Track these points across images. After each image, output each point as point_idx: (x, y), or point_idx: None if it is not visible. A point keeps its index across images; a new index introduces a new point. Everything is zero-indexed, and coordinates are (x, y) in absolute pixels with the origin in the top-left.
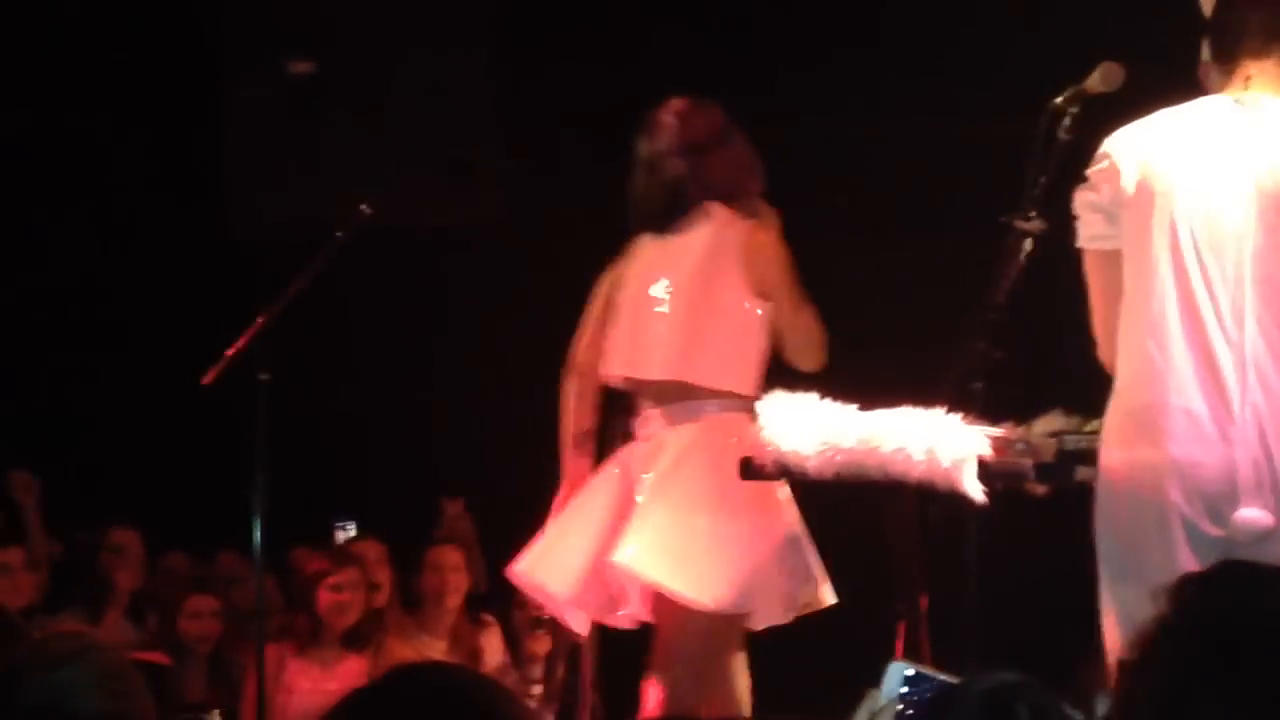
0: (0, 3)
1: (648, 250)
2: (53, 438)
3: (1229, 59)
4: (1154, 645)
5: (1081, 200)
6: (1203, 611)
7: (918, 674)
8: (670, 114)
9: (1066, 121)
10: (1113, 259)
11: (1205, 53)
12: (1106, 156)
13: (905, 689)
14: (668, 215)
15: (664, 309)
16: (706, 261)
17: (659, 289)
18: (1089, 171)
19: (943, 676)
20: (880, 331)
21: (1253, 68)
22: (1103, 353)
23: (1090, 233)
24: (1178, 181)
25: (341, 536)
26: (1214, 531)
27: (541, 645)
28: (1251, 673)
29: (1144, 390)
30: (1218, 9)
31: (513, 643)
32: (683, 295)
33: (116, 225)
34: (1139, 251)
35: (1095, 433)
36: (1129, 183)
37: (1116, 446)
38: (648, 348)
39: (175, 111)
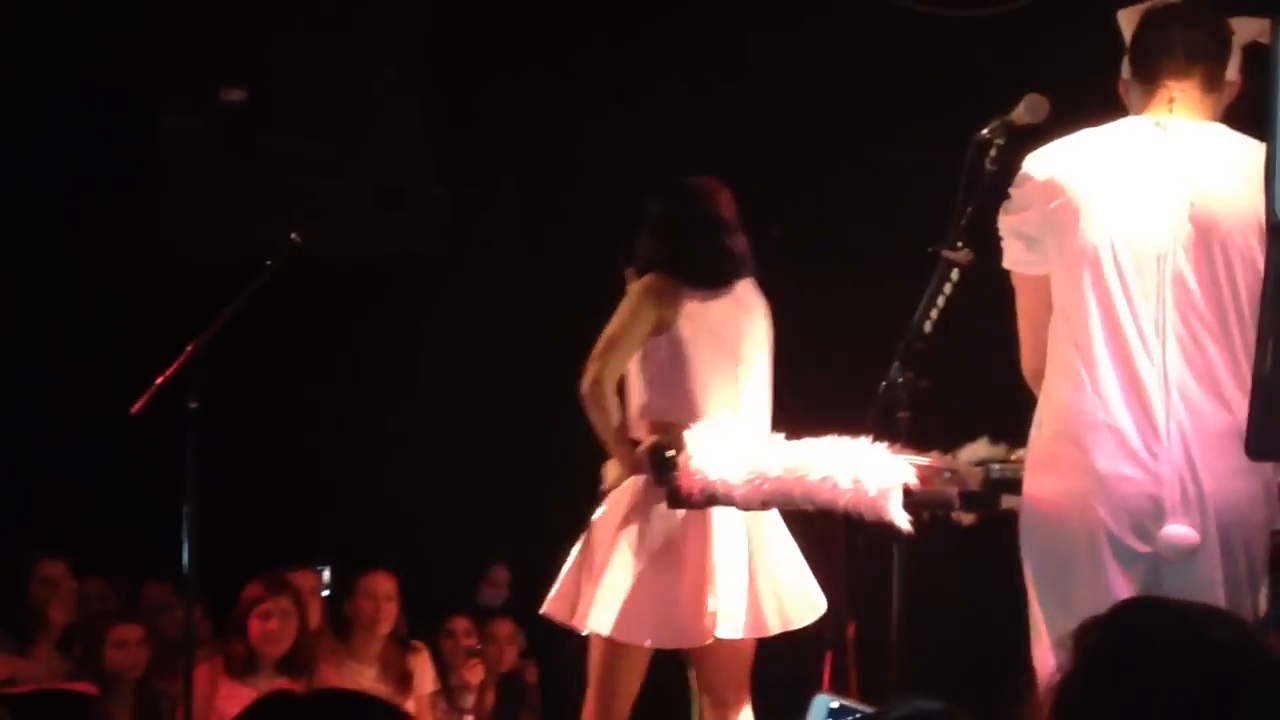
0: None
1: (711, 308)
2: None
3: (1151, 78)
4: (1062, 690)
5: (1005, 223)
6: (1102, 654)
7: (841, 706)
8: (726, 190)
9: (992, 153)
10: (1038, 282)
11: (1126, 70)
12: (1028, 178)
13: None
14: (725, 279)
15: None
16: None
17: (750, 349)
18: (1011, 191)
19: (867, 709)
20: (807, 361)
21: (1175, 89)
22: (1028, 375)
23: (1014, 256)
24: (1099, 201)
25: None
26: (1141, 548)
27: (474, 674)
28: (1152, 708)
29: (1070, 409)
30: (1141, 28)
31: (444, 671)
32: (766, 357)
33: (44, 252)
34: (1062, 271)
35: (1021, 461)
36: (1050, 202)
37: (1043, 469)
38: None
39: (105, 139)
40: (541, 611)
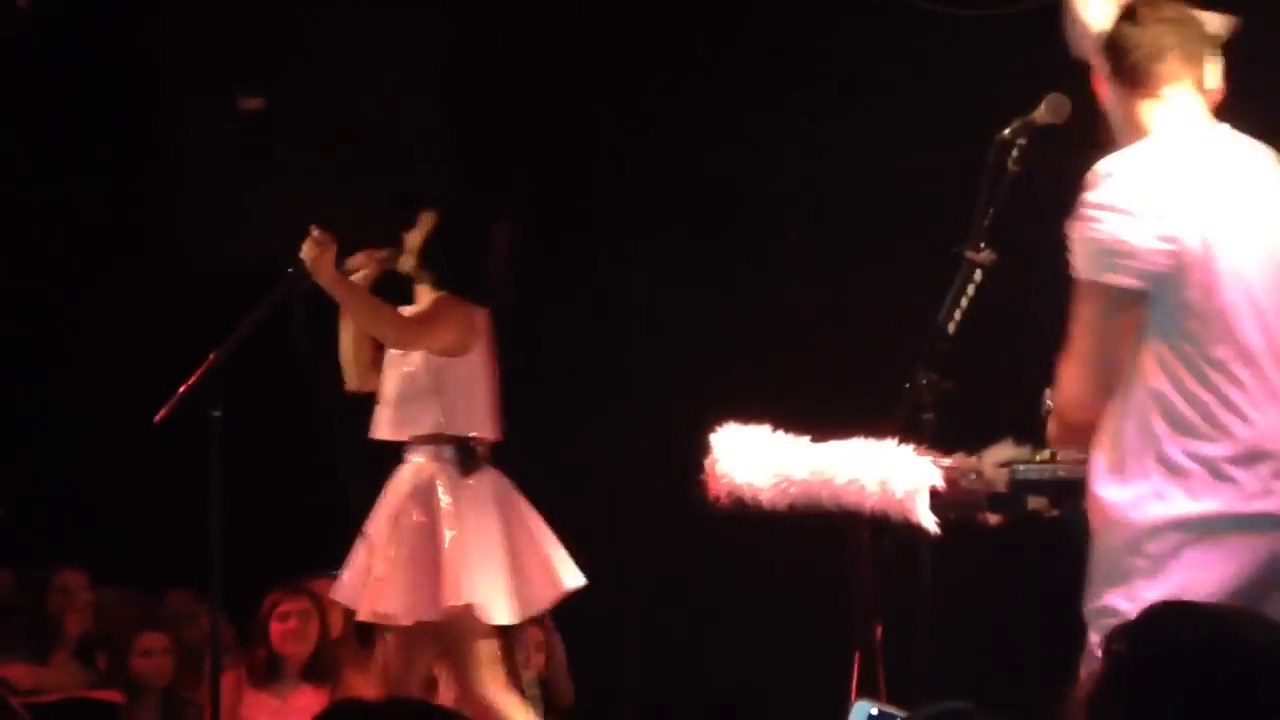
0: None
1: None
2: (2, 475)
3: (1146, 80)
4: (1094, 695)
5: (1099, 229)
6: (1133, 659)
7: (881, 712)
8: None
9: (1014, 153)
10: (1136, 301)
11: (1105, 67)
12: (1132, 194)
13: None
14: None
15: None
16: None
17: None
18: (1094, 198)
19: (904, 713)
20: (831, 363)
21: (1169, 91)
22: (1072, 401)
23: (1103, 263)
24: (1220, 234)
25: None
26: None
27: None
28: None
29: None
30: (1127, 28)
31: None
32: None
33: (67, 262)
34: (1185, 300)
35: (1046, 462)
36: (1161, 229)
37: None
38: None
39: (126, 147)
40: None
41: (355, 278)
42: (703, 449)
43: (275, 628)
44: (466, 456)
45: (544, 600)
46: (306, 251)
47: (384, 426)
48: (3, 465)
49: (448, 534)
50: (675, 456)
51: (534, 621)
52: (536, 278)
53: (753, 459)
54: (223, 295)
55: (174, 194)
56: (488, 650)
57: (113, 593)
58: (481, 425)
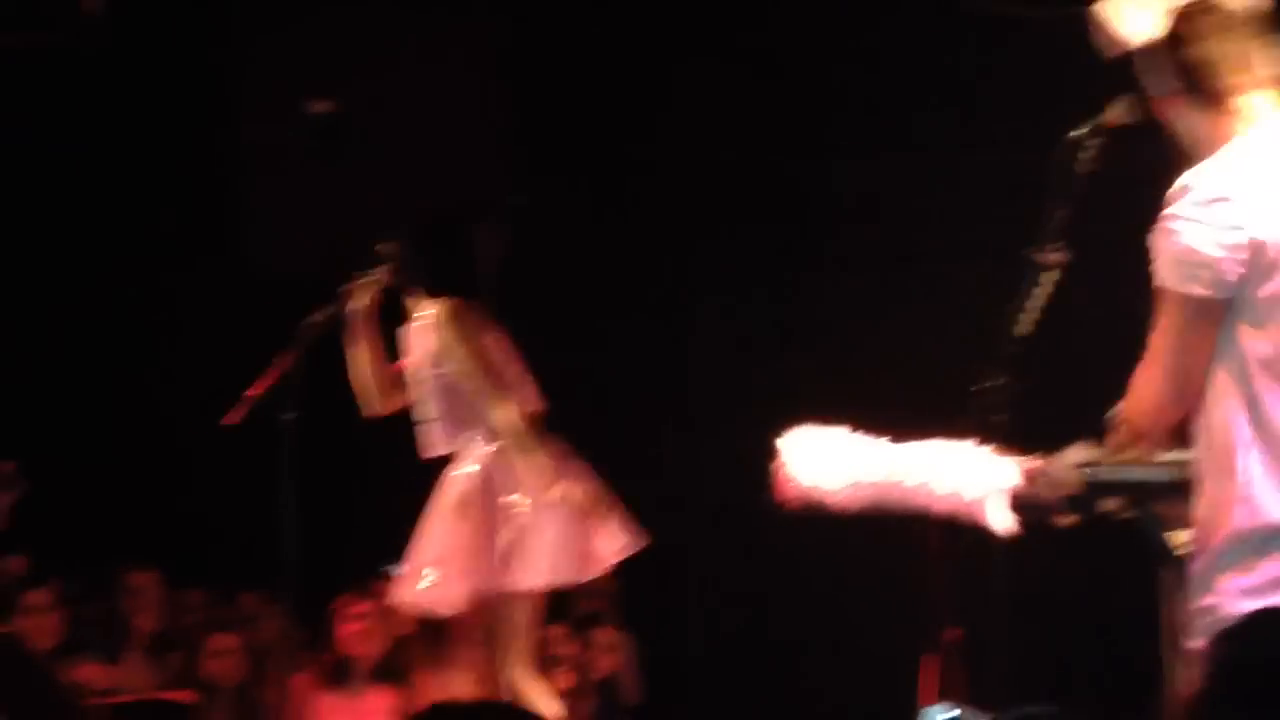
0: (27, 52)
1: None
2: (78, 479)
3: (1215, 93)
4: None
5: (1177, 241)
6: (1236, 667)
7: (955, 717)
8: None
9: (1085, 154)
10: (1215, 310)
11: (1166, 86)
12: (1209, 205)
13: None
14: None
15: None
16: None
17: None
18: (1186, 212)
19: (979, 716)
20: (904, 364)
21: (1241, 97)
22: (1147, 400)
23: (1181, 274)
24: None
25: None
26: None
27: (565, 681)
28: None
29: None
30: (1186, 43)
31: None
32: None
33: (139, 266)
34: (1268, 304)
35: (1120, 463)
36: (1238, 238)
37: None
38: None
39: (197, 152)
40: None
41: (358, 308)
42: (772, 451)
43: (343, 629)
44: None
45: (605, 560)
46: (356, 289)
47: (438, 444)
48: (77, 467)
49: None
50: (744, 458)
51: (605, 622)
52: (603, 278)
53: (823, 461)
54: (294, 298)
55: (245, 198)
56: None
57: (184, 594)
58: (524, 400)
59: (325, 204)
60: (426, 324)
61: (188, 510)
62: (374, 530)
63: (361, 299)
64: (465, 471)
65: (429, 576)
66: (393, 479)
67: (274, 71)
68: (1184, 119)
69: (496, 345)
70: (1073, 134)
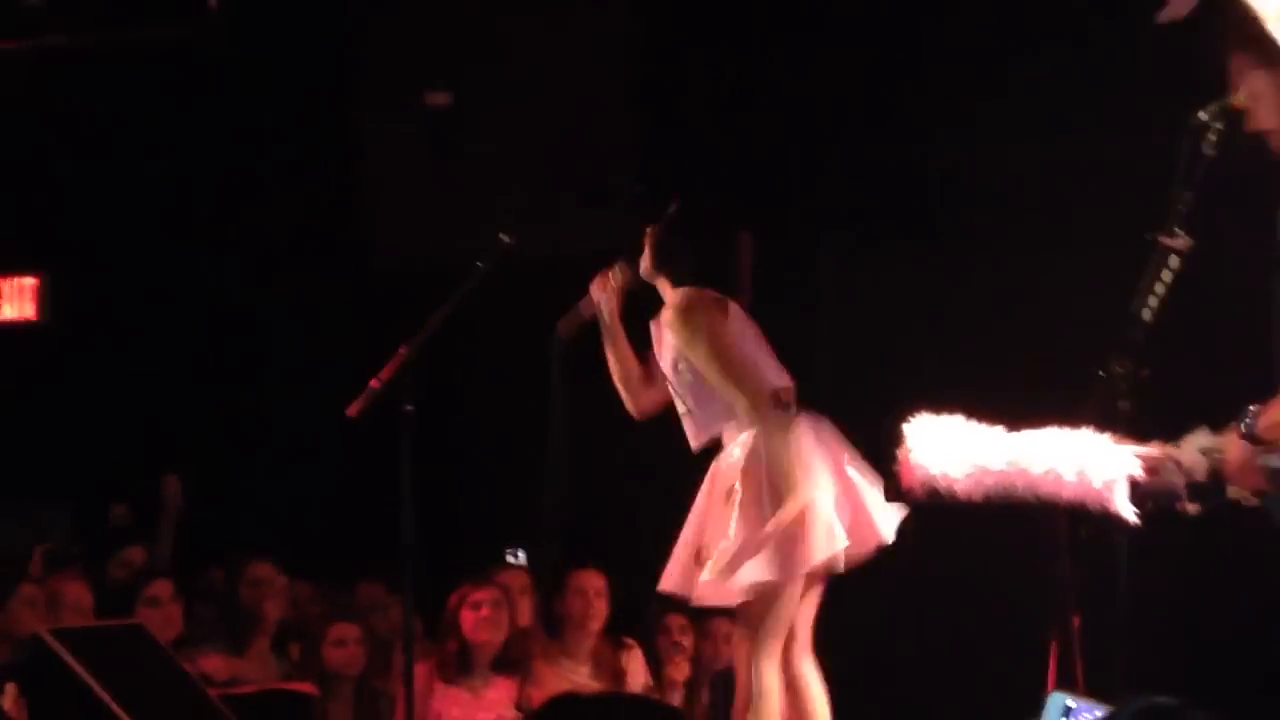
0: (152, 48)
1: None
2: (202, 471)
3: None
4: None
5: None
6: None
7: (1077, 705)
8: None
9: (1211, 137)
10: None
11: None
12: None
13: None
14: None
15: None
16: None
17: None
18: None
19: (1100, 709)
20: (1026, 351)
21: None
22: None
23: None
24: None
25: (513, 563)
26: None
27: (681, 671)
28: None
29: None
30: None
31: (656, 668)
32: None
33: (263, 259)
34: None
35: None
36: None
37: None
38: None
39: (317, 147)
40: None
41: (604, 311)
42: (896, 440)
43: (468, 616)
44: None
45: (867, 546)
46: (596, 288)
47: (697, 436)
48: (201, 460)
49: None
50: (867, 446)
51: (724, 613)
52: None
53: (947, 449)
54: (413, 289)
55: (363, 190)
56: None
57: (305, 585)
58: (775, 378)
59: (445, 196)
60: (669, 316)
61: (309, 501)
62: (491, 519)
63: (612, 300)
64: (730, 461)
65: (709, 567)
66: (510, 468)
67: (393, 64)
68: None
69: (739, 330)
70: (1198, 117)
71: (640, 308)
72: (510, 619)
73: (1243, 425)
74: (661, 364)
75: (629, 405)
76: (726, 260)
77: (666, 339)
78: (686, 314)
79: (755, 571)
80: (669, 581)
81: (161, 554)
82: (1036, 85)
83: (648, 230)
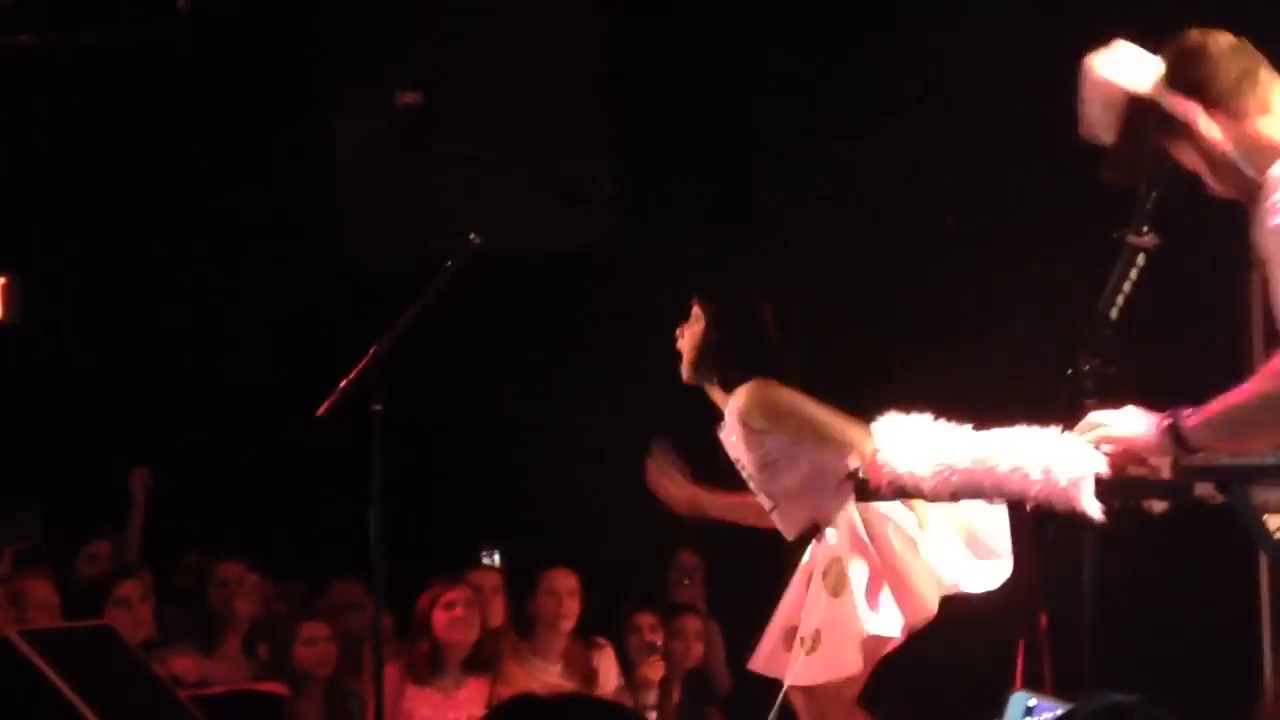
0: (120, 47)
1: None
2: (171, 468)
3: (1253, 98)
4: None
5: None
6: None
7: (1039, 704)
8: None
9: None
10: None
11: (1195, 111)
12: None
13: (1026, 719)
14: None
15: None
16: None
17: None
18: None
19: (1063, 707)
20: (993, 349)
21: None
22: None
23: None
24: None
25: (488, 563)
26: None
27: (655, 671)
28: None
29: None
30: (1209, 60)
31: (627, 668)
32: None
33: (234, 258)
34: None
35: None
36: None
37: None
38: None
39: (288, 146)
40: None
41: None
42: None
43: (440, 616)
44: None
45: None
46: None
47: (791, 528)
48: (172, 459)
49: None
50: None
51: (693, 610)
52: (693, 265)
53: (914, 448)
54: (385, 288)
55: (334, 189)
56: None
57: (274, 585)
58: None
59: (417, 195)
60: (745, 412)
61: (280, 501)
62: (465, 518)
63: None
64: (829, 544)
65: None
66: (482, 470)
67: (364, 63)
68: (1217, 140)
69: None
70: None
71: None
72: (482, 618)
73: (1171, 423)
74: (742, 469)
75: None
76: (761, 338)
77: (743, 439)
78: (764, 401)
79: (844, 663)
80: (759, 661)
81: (129, 546)
82: (1005, 84)
83: (683, 346)
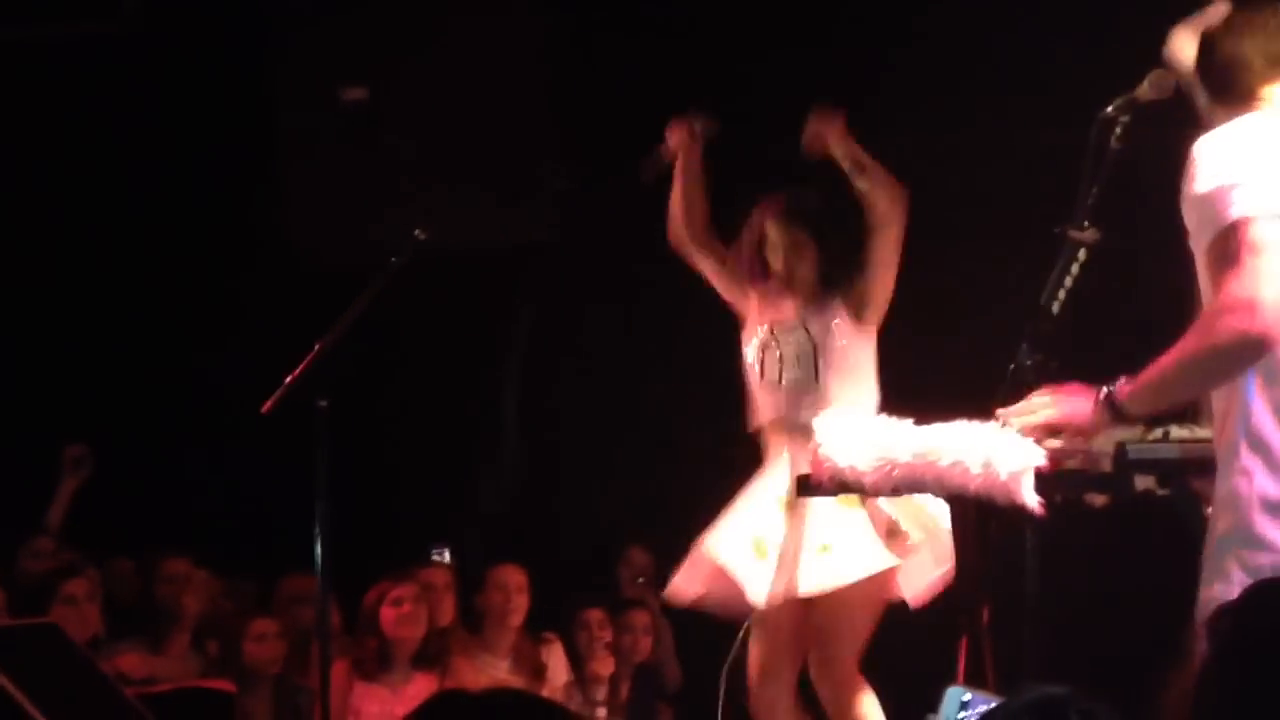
0: (65, 42)
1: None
2: (114, 466)
3: (1242, 95)
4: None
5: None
6: (1236, 639)
7: (973, 698)
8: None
9: (1118, 130)
10: None
11: (1204, 99)
12: (1245, 151)
13: (962, 714)
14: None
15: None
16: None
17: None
18: (1246, 155)
19: (995, 700)
20: (934, 345)
21: (1263, 92)
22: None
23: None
24: None
25: (437, 561)
26: None
27: (605, 666)
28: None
29: None
30: (1211, 52)
31: (576, 663)
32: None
33: (170, 254)
34: None
35: (1155, 441)
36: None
37: None
38: None
39: (232, 140)
40: None
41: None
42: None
43: (388, 613)
44: None
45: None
46: (677, 135)
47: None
48: (118, 455)
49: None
50: None
51: (642, 605)
52: (644, 265)
53: (855, 442)
54: (331, 284)
55: (281, 185)
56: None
57: (222, 581)
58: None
59: (363, 191)
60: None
61: (229, 497)
62: (415, 515)
63: (688, 145)
64: None
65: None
66: (433, 466)
67: (310, 59)
68: (1211, 117)
69: None
70: (1105, 111)
71: None
72: (431, 615)
73: (1107, 395)
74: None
75: (675, 221)
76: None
77: (850, 335)
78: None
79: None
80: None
81: (52, 520)
82: (947, 80)
83: (783, 264)
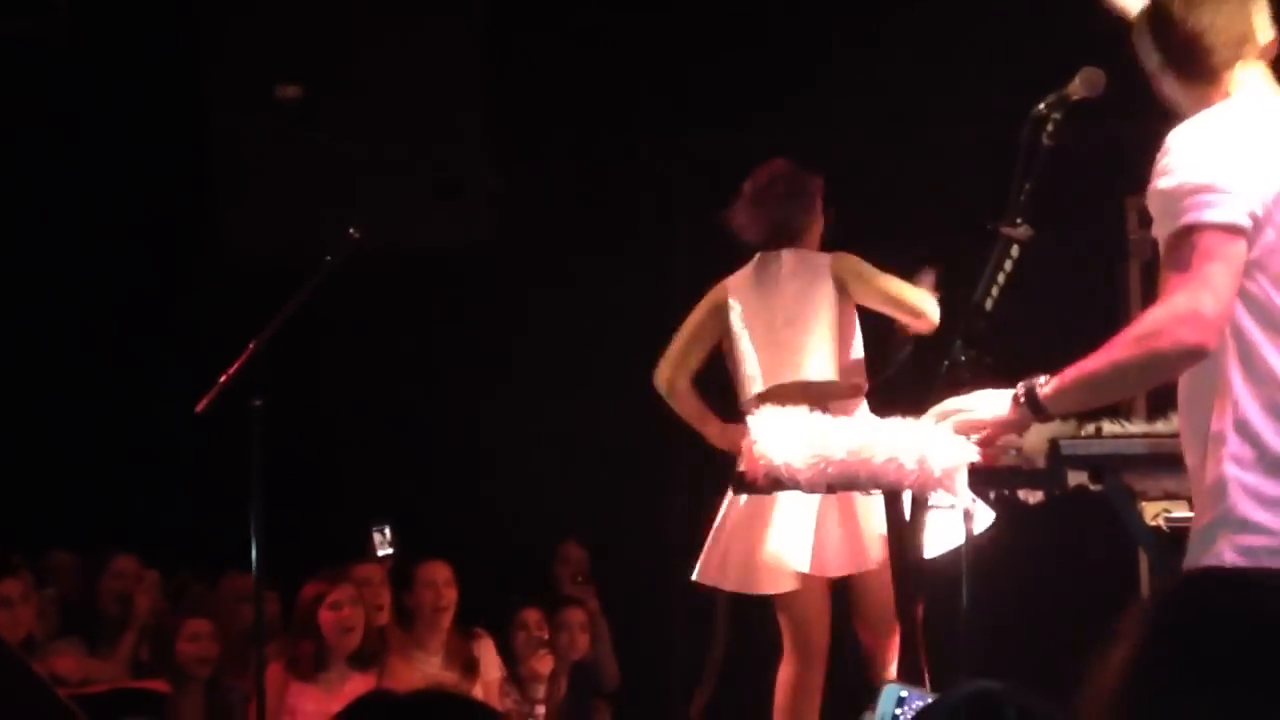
0: None
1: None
2: (48, 467)
3: (1205, 75)
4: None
5: (1190, 174)
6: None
7: (910, 694)
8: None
9: (1049, 128)
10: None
11: (1156, 61)
12: (1214, 148)
13: (898, 710)
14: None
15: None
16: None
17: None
18: (1218, 157)
19: (931, 696)
20: (869, 340)
21: (1227, 76)
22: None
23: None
24: None
25: (379, 539)
26: None
27: (543, 664)
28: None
29: None
30: (1168, 24)
31: (513, 662)
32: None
33: (105, 252)
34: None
35: (1088, 437)
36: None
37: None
38: None
39: (166, 139)
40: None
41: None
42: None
43: (327, 617)
44: None
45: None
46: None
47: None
48: (52, 454)
49: None
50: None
51: (578, 603)
52: (578, 262)
53: (790, 440)
54: (263, 284)
55: (214, 184)
56: None
57: (160, 581)
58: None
59: (297, 190)
60: (847, 266)
61: (165, 497)
62: (351, 513)
63: None
64: None
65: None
66: (368, 464)
67: (244, 58)
68: (1174, 90)
69: None
70: (1038, 108)
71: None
72: (367, 612)
73: (1028, 393)
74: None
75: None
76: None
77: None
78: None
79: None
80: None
81: None
82: (878, 76)
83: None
